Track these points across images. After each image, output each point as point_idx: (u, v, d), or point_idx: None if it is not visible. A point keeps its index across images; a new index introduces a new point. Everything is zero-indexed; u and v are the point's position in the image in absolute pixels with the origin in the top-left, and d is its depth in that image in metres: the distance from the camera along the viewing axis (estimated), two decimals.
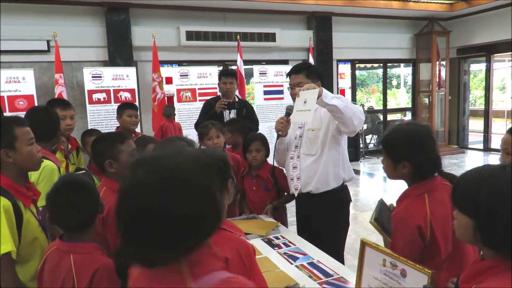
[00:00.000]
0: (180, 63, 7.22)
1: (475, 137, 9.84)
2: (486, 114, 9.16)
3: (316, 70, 2.72)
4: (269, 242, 2.36)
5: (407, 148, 1.62)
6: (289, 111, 2.61)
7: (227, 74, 4.11)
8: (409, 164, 1.62)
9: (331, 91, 8.42)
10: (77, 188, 1.56)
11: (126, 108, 3.73)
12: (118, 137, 2.04)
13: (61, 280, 1.50)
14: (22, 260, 1.68)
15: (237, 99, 4.14)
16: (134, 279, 0.96)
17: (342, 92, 9.07)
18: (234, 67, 7.26)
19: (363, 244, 1.58)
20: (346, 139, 2.69)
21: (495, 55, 8.88)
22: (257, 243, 2.31)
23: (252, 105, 5.25)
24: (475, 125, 10.16)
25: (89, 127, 5.67)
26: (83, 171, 2.85)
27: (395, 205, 1.77)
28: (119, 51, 6.50)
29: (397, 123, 1.98)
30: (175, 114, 6.38)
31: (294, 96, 2.57)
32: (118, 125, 3.88)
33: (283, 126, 2.60)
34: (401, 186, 1.73)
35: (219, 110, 3.85)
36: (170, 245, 0.84)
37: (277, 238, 2.43)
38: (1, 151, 1.67)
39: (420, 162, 1.61)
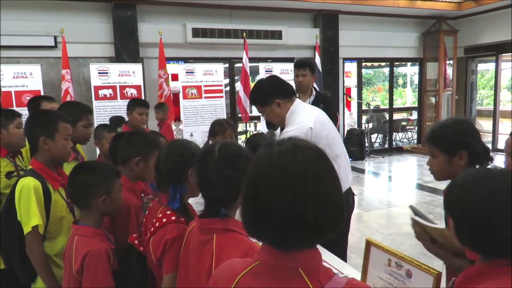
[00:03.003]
0: (186, 60, 7.22)
1: (482, 137, 9.74)
2: (494, 114, 9.09)
3: (268, 91, 2.46)
4: None
5: (463, 135, 1.56)
6: (270, 138, 2.62)
7: (299, 65, 3.59)
8: (466, 154, 1.55)
9: (337, 90, 8.45)
10: (80, 169, 1.72)
11: (137, 105, 3.67)
12: (157, 142, 2.04)
13: (69, 260, 1.63)
14: (50, 236, 1.90)
15: (314, 93, 3.65)
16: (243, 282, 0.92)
17: (348, 90, 9.04)
18: (240, 65, 7.25)
19: (368, 243, 1.57)
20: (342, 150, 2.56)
21: (502, 55, 8.81)
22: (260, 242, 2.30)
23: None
24: (482, 125, 10.08)
25: (95, 123, 5.69)
26: None
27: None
28: (126, 48, 6.52)
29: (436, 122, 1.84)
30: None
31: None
32: (126, 120, 3.83)
33: None
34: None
35: None
36: (322, 223, 0.85)
37: None
38: (41, 138, 1.91)
39: (477, 149, 1.55)
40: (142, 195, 2.10)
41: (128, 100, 3.99)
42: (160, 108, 5.79)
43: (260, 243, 1.26)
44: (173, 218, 1.51)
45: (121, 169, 1.96)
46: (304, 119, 2.36)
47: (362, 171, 7.93)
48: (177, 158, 1.56)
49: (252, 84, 8.09)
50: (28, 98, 5.68)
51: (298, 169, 0.83)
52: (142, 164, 1.94)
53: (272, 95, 2.40)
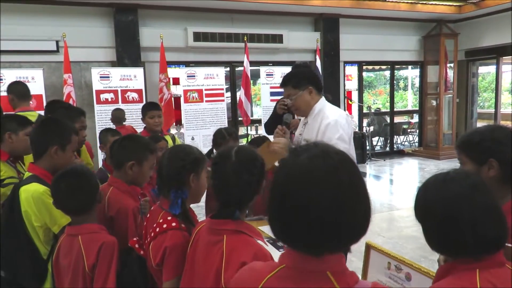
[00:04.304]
0: (187, 64, 7.24)
1: None
2: (495, 117, 9.09)
3: (305, 76, 2.50)
4: (274, 244, 2.37)
5: (493, 142, 1.39)
6: (286, 120, 2.58)
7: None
8: (496, 163, 1.38)
9: (338, 93, 8.45)
10: (76, 175, 1.72)
11: (147, 109, 3.67)
12: (151, 146, 2.06)
13: (73, 261, 1.62)
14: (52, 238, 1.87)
15: None
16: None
17: (349, 94, 9.05)
18: (241, 68, 7.27)
19: (368, 247, 1.58)
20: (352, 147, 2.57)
21: (503, 58, 8.82)
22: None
23: (259, 106, 5.12)
24: None
25: (97, 127, 5.72)
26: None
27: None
28: (127, 52, 6.55)
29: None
30: (125, 119, 5.35)
31: (290, 107, 2.57)
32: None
33: (281, 136, 2.48)
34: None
35: (281, 111, 3.44)
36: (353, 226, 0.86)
37: None
38: (54, 147, 1.87)
39: (509, 159, 1.36)
40: (139, 197, 2.11)
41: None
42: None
43: (268, 246, 1.28)
44: (173, 224, 1.51)
45: (116, 173, 1.98)
46: (338, 109, 2.50)
47: (363, 174, 7.89)
48: (179, 162, 1.57)
49: (253, 88, 8.11)
50: (31, 102, 5.72)
51: (330, 174, 0.84)
52: (136, 168, 1.94)
53: (307, 81, 2.42)
